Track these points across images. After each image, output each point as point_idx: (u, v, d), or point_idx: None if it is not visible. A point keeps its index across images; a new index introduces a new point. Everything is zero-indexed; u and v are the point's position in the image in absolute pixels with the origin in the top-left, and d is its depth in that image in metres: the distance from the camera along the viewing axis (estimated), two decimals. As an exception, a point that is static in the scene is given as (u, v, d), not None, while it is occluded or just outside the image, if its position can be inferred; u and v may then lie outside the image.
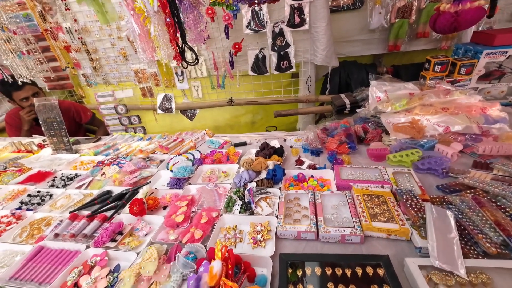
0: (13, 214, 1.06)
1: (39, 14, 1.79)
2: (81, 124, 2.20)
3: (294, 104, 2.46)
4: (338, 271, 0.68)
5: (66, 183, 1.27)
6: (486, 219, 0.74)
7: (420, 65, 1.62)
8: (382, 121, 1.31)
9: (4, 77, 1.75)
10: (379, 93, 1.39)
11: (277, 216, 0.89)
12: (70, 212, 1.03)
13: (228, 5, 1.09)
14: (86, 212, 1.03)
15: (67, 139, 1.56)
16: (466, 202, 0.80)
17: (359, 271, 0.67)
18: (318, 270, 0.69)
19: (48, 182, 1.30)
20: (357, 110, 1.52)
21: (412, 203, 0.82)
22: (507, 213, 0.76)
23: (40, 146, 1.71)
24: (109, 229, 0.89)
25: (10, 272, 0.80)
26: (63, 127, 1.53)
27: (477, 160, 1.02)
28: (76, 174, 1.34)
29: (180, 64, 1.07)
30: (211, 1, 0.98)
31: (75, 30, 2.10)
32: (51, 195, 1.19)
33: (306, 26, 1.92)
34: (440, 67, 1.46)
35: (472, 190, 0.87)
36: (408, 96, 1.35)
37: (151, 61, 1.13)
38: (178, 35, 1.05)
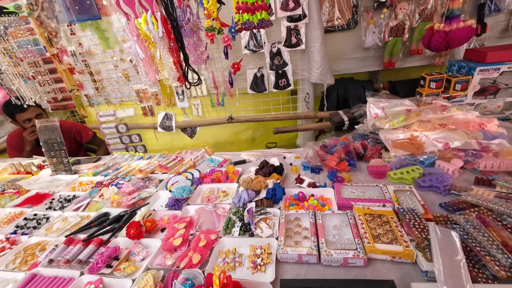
0: (7, 239, 1.04)
1: (47, 40, 1.87)
2: (82, 144, 2.22)
3: (293, 120, 2.48)
4: (342, 299, 0.65)
5: (64, 205, 1.25)
6: (492, 239, 0.71)
7: (416, 80, 1.66)
8: (381, 138, 1.31)
9: (13, 100, 1.80)
10: (377, 109, 1.41)
11: (277, 238, 0.86)
12: (65, 236, 1.01)
13: (219, 31, 1.16)
14: (82, 236, 1.01)
15: (66, 160, 1.56)
16: (471, 222, 0.78)
17: (363, 298, 0.64)
18: (320, 298, 0.66)
19: (45, 204, 1.28)
20: (356, 127, 1.53)
21: (416, 223, 0.80)
22: (514, 233, 0.73)
23: (40, 167, 1.71)
24: (105, 254, 0.87)
25: (0, 303, 0.77)
26: (63, 148, 1.54)
27: (479, 176, 1.01)
28: (74, 196, 1.32)
29: (184, 85, 1.10)
30: (205, 27, 1.03)
31: (79, 53, 2.18)
32: (47, 218, 1.17)
33: (302, 46, 1.98)
34: (435, 83, 1.49)
35: (476, 208, 0.85)
36: (405, 113, 1.37)
37: (154, 83, 1.17)
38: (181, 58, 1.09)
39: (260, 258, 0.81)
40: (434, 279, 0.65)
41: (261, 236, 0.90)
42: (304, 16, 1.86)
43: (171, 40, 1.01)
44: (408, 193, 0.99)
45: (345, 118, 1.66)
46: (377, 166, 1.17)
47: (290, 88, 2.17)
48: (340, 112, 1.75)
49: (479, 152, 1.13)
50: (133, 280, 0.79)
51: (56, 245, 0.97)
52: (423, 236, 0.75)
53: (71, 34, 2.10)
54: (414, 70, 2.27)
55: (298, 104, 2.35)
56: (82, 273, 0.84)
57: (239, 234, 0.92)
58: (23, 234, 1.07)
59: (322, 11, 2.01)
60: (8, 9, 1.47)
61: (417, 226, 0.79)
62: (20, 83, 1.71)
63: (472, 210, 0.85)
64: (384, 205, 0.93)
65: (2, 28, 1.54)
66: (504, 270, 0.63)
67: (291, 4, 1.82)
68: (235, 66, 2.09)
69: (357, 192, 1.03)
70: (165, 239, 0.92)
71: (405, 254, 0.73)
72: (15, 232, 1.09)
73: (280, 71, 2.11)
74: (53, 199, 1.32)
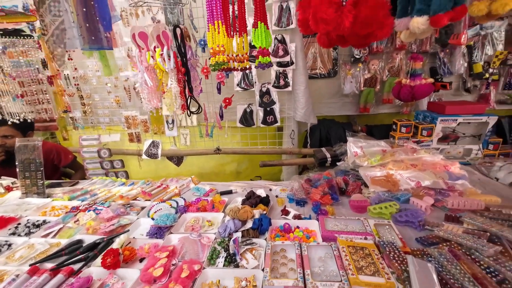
0: (-42, 267, 0.92)
1: (42, 62, 1.91)
2: (58, 167, 2.11)
3: (278, 155, 2.57)
4: (328, 332, 0.64)
5: (31, 230, 1.15)
6: (464, 272, 0.76)
7: (389, 125, 1.86)
8: (361, 174, 1.41)
9: None
10: (356, 148, 1.53)
11: (263, 269, 0.85)
12: (30, 265, 0.91)
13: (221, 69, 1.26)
14: (50, 265, 0.92)
15: (41, 181, 1.47)
16: (444, 255, 0.83)
17: (349, 331, 0.64)
18: (307, 332, 0.64)
19: (9, 229, 1.17)
20: (338, 163, 1.63)
21: (395, 255, 0.84)
22: (481, 266, 0.79)
23: (8, 189, 1.58)
24: (75, 285, 0.80)
25: None
26: (41, 169, 1.46)
27: (448, 213, 1.10)
28: (44, 221, 1.23)
29: (185, 113, 1.18)
30: (211, 67, 1.13)
31: (73, 77, 2.21)
32: (9, 245, 1.06)
33: (289, 88, 2.18)
34: (405, 128, 1.67)
35: (448, 243, 0.91)
36: (381, 153, 1.50)
37: (157, 109, 1.24)
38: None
39: (245, 291, 0.78)
40: (415, 312, 0.66)
41: (246, 267, 0.88)
42: (292, 63, 2.10)
43: (181, 73, 1.11)
44: (387, 227, 1.04)
45: (328, 155, 1.76)
46: (358, 201, 1.23)
47: (277, 124, 2.31)
48: (323, 149, 1.87)
49: (446, 191, 1.24)
50: (105, 316, 0.72)
51: (17, 275, 0.87)
52: (403, 268, 0.79)
53: (68, 59, 2.15)
54: (386, 116, 2.54)
55: (284, 140, 2.47)
56: (45, 308, 0.75)
57: (223, 265, 0.89)
58: (-22, 262, 0.95)
59: (306, 60, 2.28)
60: (25, 32, 1.54)
61: (396, 259, 0.82)
62: (9, 100, 1.68)
63: (444, 244, 0.91)
64: (365, 238, 0.97)
65: (1, 48, 1.58)
66: (476, 302, 0.67)
67: (281, 52, 2.06)
68: (227, 101, 2.21)
69: (340, 225, 1.07)
70: (144, 269, 0.87)
71: (387, 286, 0.76)
72: (-32, 260, 0.97)
73: (268, 109, 2.26)
74: (19, 223, 1.21)
